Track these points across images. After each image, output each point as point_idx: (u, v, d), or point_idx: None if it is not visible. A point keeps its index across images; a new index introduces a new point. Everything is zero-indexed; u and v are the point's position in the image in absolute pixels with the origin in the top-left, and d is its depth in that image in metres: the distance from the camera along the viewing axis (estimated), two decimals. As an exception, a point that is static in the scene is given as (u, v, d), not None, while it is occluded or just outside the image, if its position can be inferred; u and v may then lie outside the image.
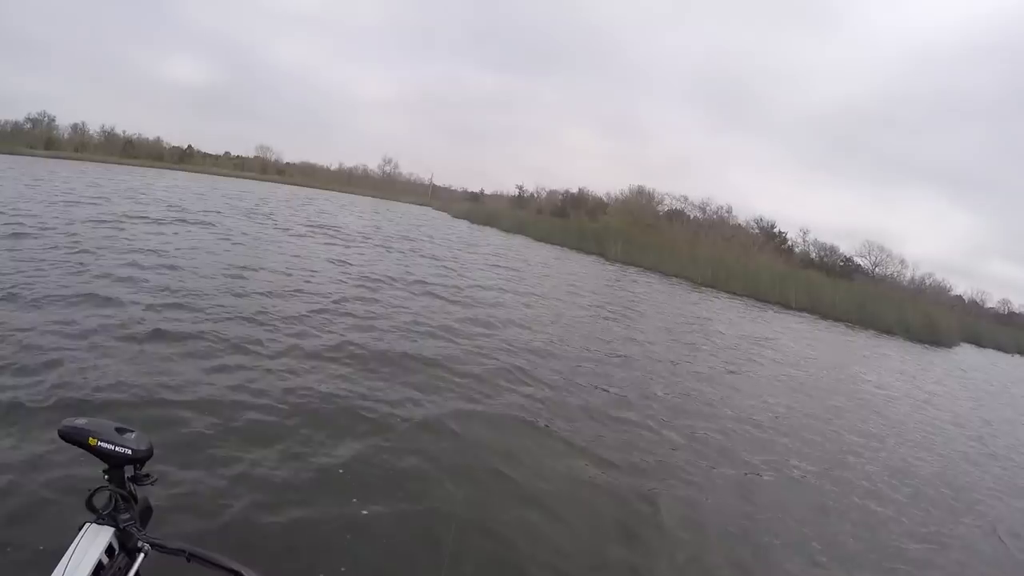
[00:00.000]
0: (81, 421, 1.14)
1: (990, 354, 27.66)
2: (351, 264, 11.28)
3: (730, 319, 14.94)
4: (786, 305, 22.61)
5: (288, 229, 16.07)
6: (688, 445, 5.01)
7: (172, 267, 8.00)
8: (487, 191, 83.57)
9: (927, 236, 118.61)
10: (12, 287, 5.83)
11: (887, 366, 13.35)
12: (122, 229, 10.83)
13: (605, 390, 6.06)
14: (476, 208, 50.58)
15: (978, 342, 30.40)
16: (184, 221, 13.69)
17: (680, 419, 5.62)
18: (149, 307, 5.90)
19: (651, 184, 51.87)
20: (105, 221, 11.61)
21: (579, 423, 4.96)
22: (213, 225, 13.83)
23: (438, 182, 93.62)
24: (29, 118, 65.50)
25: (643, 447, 4.72)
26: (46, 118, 67.30)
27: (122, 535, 1.12)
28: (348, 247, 14.23)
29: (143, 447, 1.15)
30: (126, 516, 1.13)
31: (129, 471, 1.15)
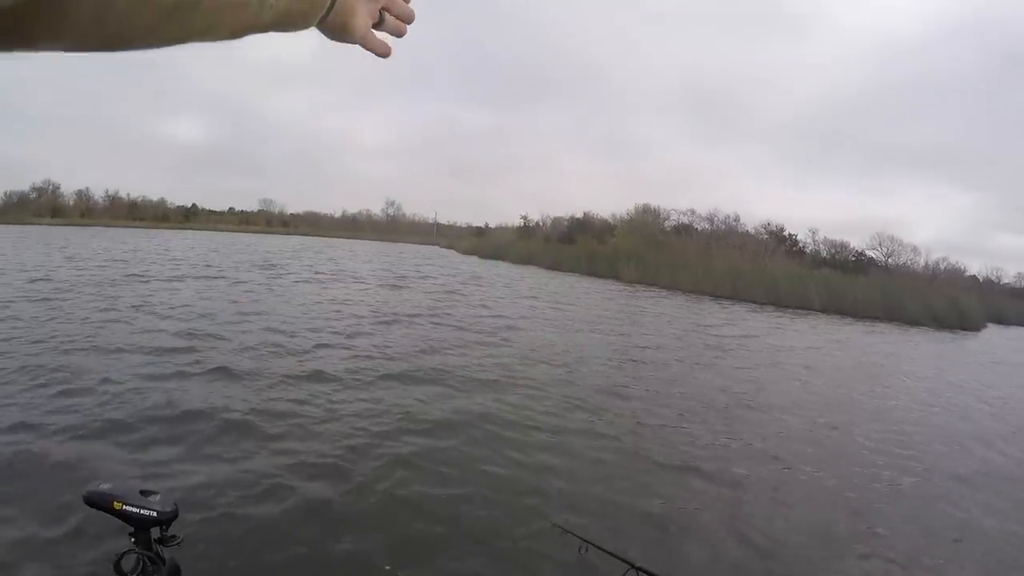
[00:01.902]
0: (106, 486, 1.15)
1: (1019, 331, 27.38)
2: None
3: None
4: (809, 307, 22.63)
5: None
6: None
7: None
8: (492, 224, 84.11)
9: (928, 220, 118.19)
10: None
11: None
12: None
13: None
14: (483, 242, 51.02)
15: (1002, 320, 30.13)
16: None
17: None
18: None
19: (655, 201, 52.35)
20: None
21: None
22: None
23: (442, 220, 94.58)
24: (34, 187, 66.79)
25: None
26: (50, 186, 68.56)
27: None
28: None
29: (168, 508, 1.16)
30: None
31: (155, 533, 1.16)
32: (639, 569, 0.60)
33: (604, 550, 0.76)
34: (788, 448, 5.48)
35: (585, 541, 0.91)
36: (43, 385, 5.12)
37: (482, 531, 3.32)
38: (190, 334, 7.74)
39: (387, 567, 2.83)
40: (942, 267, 46.49)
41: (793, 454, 5.32)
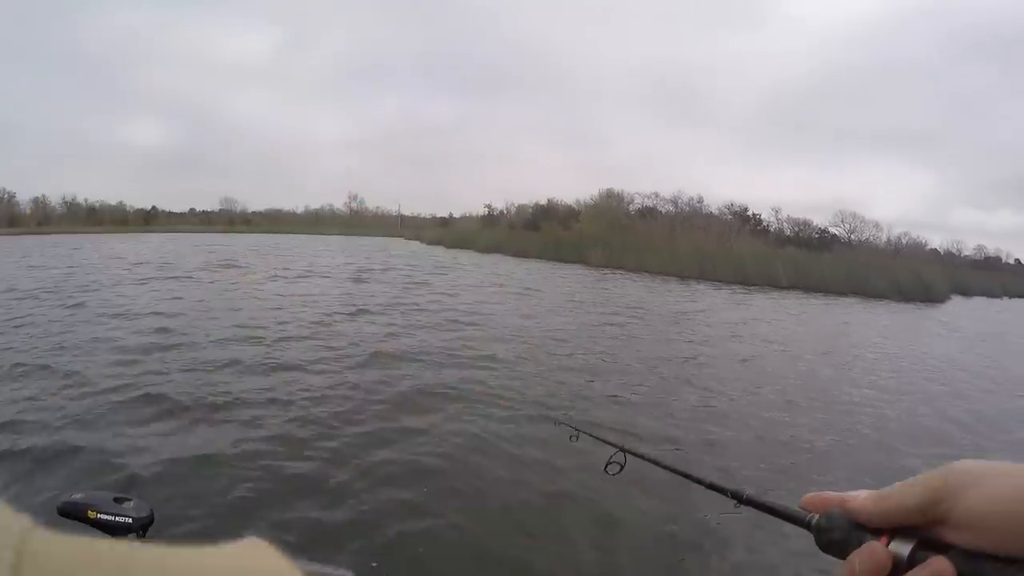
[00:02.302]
0: (78, 495, 1.14)
1: (981, 302, 27.73)
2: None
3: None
4: (775, 285, 22.28)
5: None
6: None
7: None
8: (456, 214, 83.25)
9: (890, 198, 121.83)
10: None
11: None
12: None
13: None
14: (448, 233, 50.00)
15: (965, 292, 30.53)
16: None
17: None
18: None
19: (618, 185, 51.96)
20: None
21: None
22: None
23: (406, 212, 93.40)
24: None
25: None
26: (5, 195, 66.25)
27: None
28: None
29: (144, 514, 1.15)
30: None
31: (133, 539, 1.11)
32: (624, 449, 0.73)
33: (591, 435, 0.91)
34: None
35: (576, 430, 1.00)
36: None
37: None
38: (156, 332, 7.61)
39: (374, 564, 2.75)
40: (904, 242, 47.37)
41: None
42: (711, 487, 0.55)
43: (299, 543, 2.86)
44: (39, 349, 6.50)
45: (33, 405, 4.64)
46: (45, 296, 10.55)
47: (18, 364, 5.76)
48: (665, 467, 0.65)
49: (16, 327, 7.71)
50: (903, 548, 0.39)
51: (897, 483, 0.41)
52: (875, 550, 0.39)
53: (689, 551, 3.11)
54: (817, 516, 0.44)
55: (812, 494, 0.46)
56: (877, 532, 0.40)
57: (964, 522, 0.37)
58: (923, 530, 0.39)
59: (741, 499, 0.50)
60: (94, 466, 3.58)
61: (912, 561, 0.38)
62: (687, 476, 0.60)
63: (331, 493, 3.42)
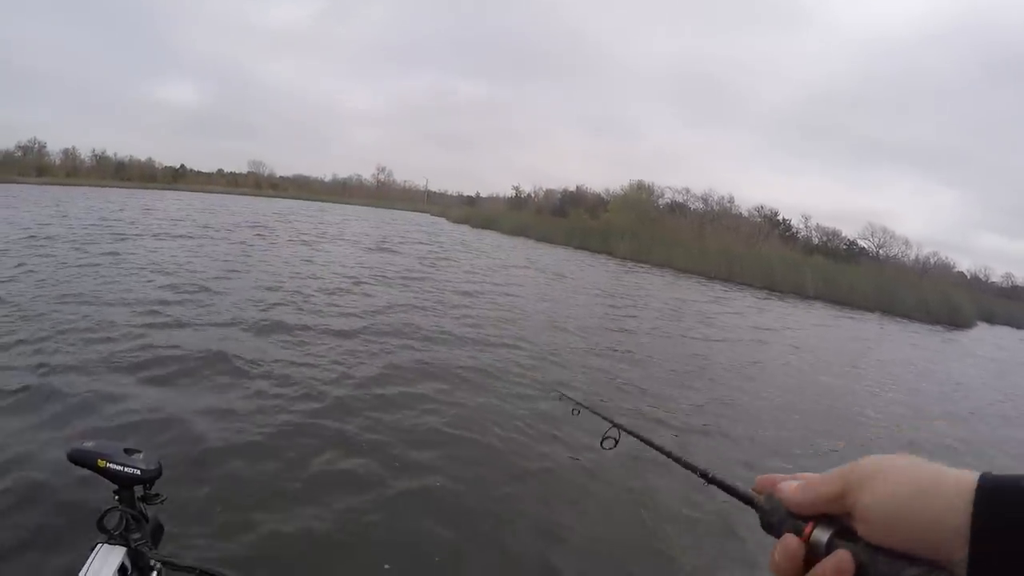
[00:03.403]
0: (89, 444, 1.16)
1: (1007, 331, 27.35)
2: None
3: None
4: (802, 294, 22.19)
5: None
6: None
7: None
8: (482, 194, 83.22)
9: (914, 214, 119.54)
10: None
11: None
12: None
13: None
14: (474, 212, 50.06)
15: (990, 320, 30.08)
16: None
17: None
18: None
19: (647, 178, 51.63)
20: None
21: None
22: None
23: (433, 188, 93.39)
24: (19, 146, 64.82)
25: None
26: (36, 144, 66.66)
27: (134, 555, 1.12)
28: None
29: (152, 467, 1.16)
30: (137, 536, 1.13)
31: (139, 491, 1.17)
32: (619, 426, 0.81)
33: (591, 410, 0.97)
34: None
35: (578, 404, 1.06)
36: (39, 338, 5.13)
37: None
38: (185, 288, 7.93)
39: (386, 566, 2.67)
40: (932, 262, 46.55)
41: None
42: (686, 466, 0.60)
43: (306, 491, 3.12)
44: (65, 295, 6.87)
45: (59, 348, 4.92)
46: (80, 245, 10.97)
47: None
48: (652, 445, 0.70)
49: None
50: (823, 535, 0.41)
51: (824, 473, 0.43)
52: (788, 543, 0.42)
53: (663, 522, 3.34)
54: (763, 498, 0.46)
55: (764, 476, 0.48)
56: (806, 518, 0.43)
57: (861, 516, 0.40)
58: (844, 520, 0.41)
59: (707, 478, 0.55)
60: (106, 410, 3.78)
61: (829, 548, 0.41)
62: (668, 454, 0.65)
63: (342, 444, 3.72)
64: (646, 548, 3.12)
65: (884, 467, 0.40)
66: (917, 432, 6.23)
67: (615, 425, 0.82)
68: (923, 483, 0.37)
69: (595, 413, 0.94)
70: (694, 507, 3.45)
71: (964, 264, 56.31)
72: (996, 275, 56.25)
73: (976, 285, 47.35)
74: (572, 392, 5.09)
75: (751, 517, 0.47)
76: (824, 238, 46.21)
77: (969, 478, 0.36)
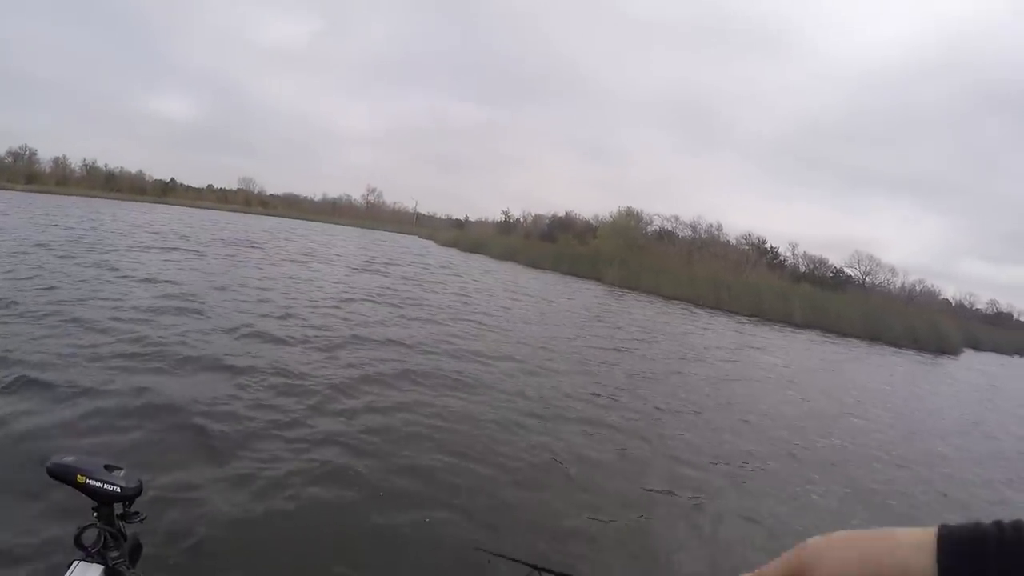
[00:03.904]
0: (70, 458, 1.13)
1: (993, 358, 27.46)
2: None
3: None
4: (790, 322, 22.13)
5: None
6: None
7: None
8: (471, 218, 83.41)
9: (900, 242, 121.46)
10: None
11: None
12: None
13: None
14: (463, 235, 49.99)
15: (977, 346, 30.27)
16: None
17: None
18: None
19: (636, 205, 51.94)
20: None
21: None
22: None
23: (422, 210, 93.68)
24: (10, 152, 64.67)
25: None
26: (27, 152, 66.51)
27: (111, 573, 1.11)
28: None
29: (132, 485, 1.14)
30: (115, 554, 1.12)
31: (118, 508, 1.14)
32: (541, 569, 0.74)
33: (507, 557, 0.91)
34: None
35: (493, 554, 1.02)
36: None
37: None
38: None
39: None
40: (918, 289, 46.94)
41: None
42: None
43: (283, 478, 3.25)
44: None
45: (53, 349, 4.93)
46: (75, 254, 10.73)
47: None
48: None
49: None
50: None
51: (770, 562, 0.44)
52: None
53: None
54: None
55: None
56: None
57: None
58: None
59: None
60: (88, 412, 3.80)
61: None
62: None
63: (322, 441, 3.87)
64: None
65: (831, 545, 0.40)
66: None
67: (536, 568, 0.76)
68: (871, 550, 0.38)
69: (511, 559, 0.90)
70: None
71: (949, 291, 56.77)
72: (981, 302, 56.99)
73: (961, 312, 47.79)
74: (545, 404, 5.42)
75: None
76: (811, 266, 46.44)
77: (927, 532, 0.38)
